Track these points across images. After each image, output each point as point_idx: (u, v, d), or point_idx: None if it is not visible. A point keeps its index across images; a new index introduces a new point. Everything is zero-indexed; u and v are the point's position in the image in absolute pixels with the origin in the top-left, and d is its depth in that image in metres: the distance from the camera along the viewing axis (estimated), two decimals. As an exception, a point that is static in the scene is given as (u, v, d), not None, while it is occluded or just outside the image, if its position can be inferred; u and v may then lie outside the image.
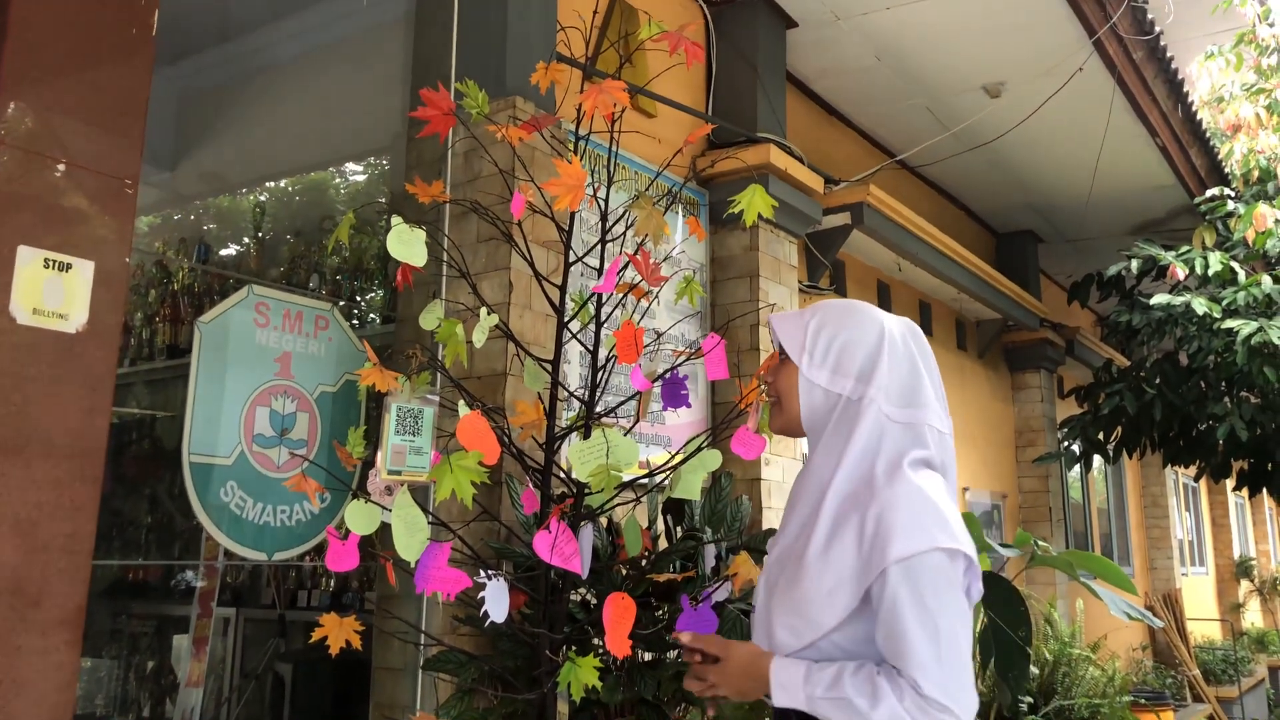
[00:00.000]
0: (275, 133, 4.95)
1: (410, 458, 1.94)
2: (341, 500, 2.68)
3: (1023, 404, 8.05)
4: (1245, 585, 14.37)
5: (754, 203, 2.21)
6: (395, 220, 2.14)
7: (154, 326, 4.63)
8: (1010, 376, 8.11)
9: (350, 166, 4.90)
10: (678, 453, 2.42)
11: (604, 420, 2.26)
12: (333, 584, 4.34)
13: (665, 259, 2.27)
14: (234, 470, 2.44)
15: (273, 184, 5.21)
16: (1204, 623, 11.87)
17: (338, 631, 2.20)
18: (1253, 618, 14.18)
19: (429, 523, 2.06)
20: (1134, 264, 6.34)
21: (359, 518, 2.02)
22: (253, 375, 2.52)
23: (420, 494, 2.60)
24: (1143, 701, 5.36)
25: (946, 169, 6.75)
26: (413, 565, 2.01)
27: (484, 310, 2.07)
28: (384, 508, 2.07)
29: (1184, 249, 6.31)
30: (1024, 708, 3.80)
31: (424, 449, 1.95)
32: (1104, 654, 4.75)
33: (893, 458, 1.45)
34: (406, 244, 2.12)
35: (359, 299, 4.12)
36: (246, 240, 5.00)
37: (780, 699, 1.44)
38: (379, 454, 1.92)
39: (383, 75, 3.96)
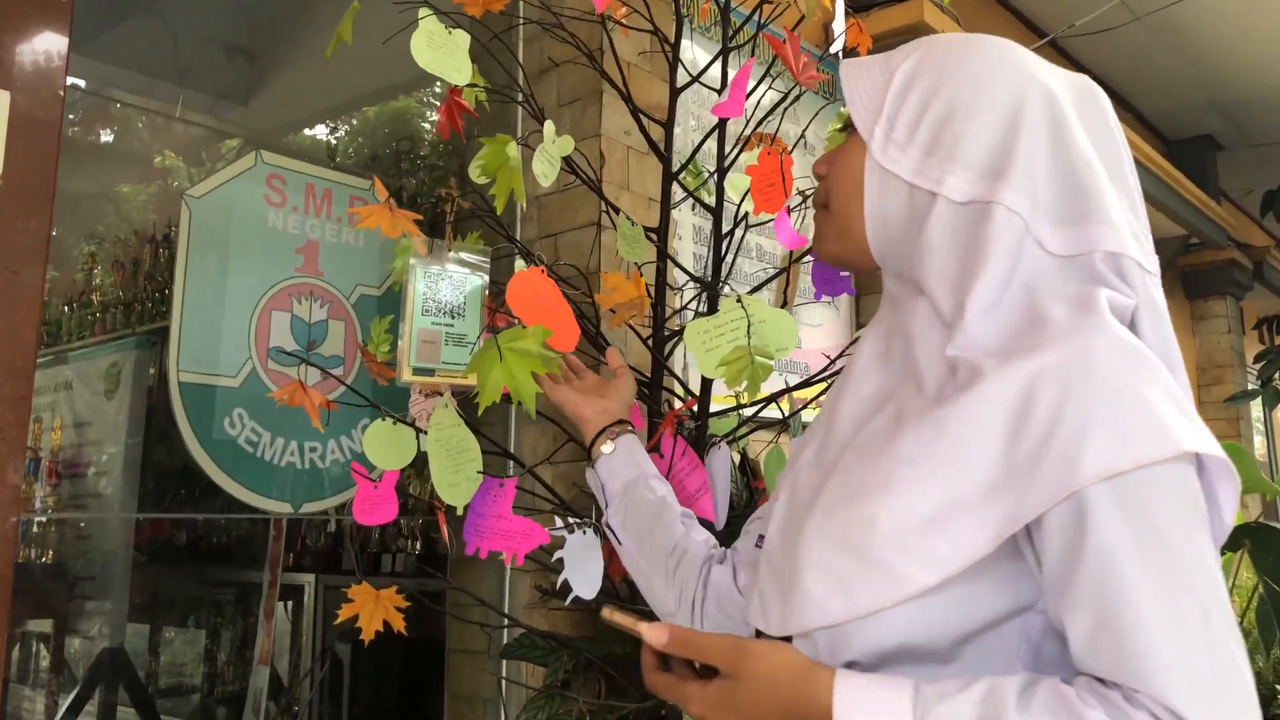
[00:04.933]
0: (346, 57, 4.43)
1: (447, 351, 1.28)
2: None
3: (1205, 336, 6.97)
4: None
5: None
6: (423, 13, 1.47)
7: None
8: (1189, 305, 7.03)
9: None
10: (839, 357, 1.73)
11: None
12: (418, 546, 3.82)
13: (820, 59, 1.55)
14: (242, 395, 1.84)
15: (348, 114, 4.77)
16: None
17: (372, 609, 1.59)
18: None
19: (487, 453, 1.41)
20: (1359, 155, 5.24)
21: (381, 444, 1.39)
22: (266, 270, 1.89)
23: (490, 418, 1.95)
24: None
25: (1112, 58, 5.71)
26: (461, 512, 1.37)
27: (549, 128, 1.37)
28: (420, 430, 1.43)
29: None
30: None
31: (468, 338, 1.28)
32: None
33: (1074, 294, 0.73)
34: (440, 50, 1.46)
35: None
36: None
37: None
38: (400, 345, 1.26)
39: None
